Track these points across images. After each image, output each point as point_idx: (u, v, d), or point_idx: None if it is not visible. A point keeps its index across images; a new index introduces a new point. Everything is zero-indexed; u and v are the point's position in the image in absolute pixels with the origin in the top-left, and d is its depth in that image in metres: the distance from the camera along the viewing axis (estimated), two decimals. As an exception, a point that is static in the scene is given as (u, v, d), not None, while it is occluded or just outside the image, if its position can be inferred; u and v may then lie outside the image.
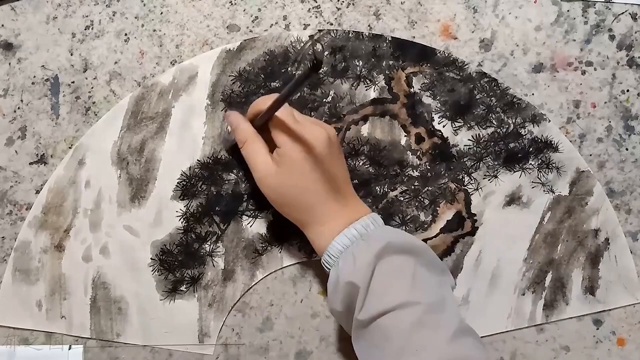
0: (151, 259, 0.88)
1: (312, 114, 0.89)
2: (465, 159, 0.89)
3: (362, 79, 0.89)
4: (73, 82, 0.89)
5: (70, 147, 0.89)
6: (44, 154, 0.89)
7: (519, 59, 0.90)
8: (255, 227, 0.89)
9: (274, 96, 0.77)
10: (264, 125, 0.80)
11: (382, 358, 0.73)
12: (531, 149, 0.89)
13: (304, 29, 0.90)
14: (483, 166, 0.89)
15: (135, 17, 0.90)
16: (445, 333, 0.71)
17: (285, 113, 0.77)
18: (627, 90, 0.90)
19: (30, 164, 0.89)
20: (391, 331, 0.72)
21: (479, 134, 0.89)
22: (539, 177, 0.89)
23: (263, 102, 0.80)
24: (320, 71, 0.83)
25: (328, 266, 0.79)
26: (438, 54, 0.90)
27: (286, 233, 0.88)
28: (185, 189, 0.88)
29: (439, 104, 0.89)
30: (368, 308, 0.74)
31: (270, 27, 0.90)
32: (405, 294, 0.73)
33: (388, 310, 0.72)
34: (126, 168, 0.89)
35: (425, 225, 0.89)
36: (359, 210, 0.81)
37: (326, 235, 0.79)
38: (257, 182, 0.80)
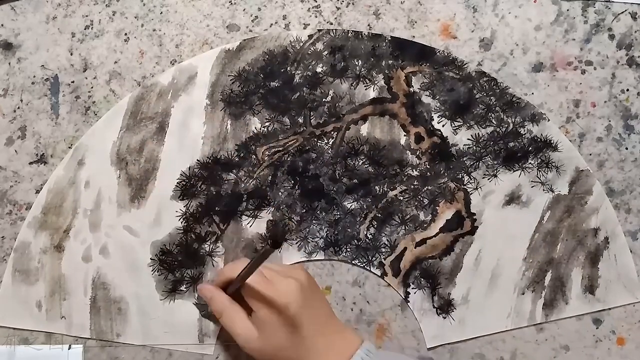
0: (151, 259, 0.88)
1: (312, 113, 0.89)
2: (464, 159, 0.89)
3: (361, 79, 0.89)
4: (73, 82, 0.89)
5: (70, 147, 0.89)
6: (43, 153, 0.89)
7: (519, 59, 0.90)
8: (254, 227, 0.89)
9: (240, 262, 0.79)
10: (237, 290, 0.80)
11: None
12: (530, 148, 0.89)
13: (304, 28, 0.90)
14: (482, 165, 0.89)
15: (135, 17, 0.90)
16: None
17: (254, 278, 0.77)
18: (627, 90, 0.90)
19: (30, 163, 0.89)
20: None
21: (478, 134, 0.89)
22: (539, 176, 0.89)
23: (230, 270, 0.80)
24: (279, 249, 0.83)
25: None
26: (437, 54, 0.90)
27: (286, 233, 0.88)
28: (185, 189, 0.88)
29: (439, 104, 0.89)
30: None
31: (270, 26, 0.90)
32: None
33: None
34: (126, 168, 0.89)
35: (425, 225, 0.89)
36: (351, 342, 0.79)
37: None
38: (241, 347, 0.79)
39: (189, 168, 0.88)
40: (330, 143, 0.89)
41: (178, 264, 0.88)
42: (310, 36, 0.90)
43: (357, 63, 0.90)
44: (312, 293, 0.80)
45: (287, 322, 0.76)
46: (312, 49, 0.90)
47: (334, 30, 0.90)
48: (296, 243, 0.88)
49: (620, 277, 0.88)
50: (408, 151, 0.89)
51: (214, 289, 0.82)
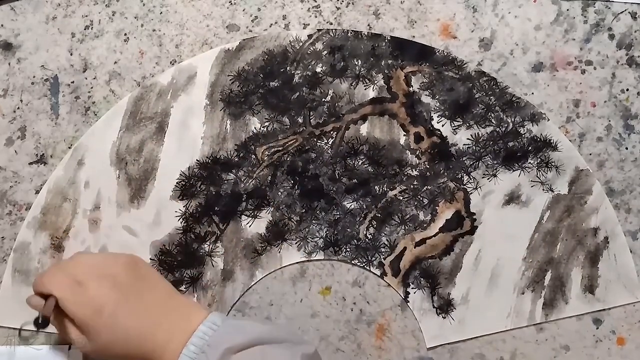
0: (150, 259, 0.88)
1: (311, 113, 0.89)
2: (464, 158, 0.89)
3: (361, 78, 0.89)
4: (73, 82, 0.89)
5: (69, 147, 0.89)
6: (43, 154, 0.89)
7: (519, 59, 0.90)
8: (254, 227, 0.88)
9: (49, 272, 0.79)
10: None
11: None
12: (530, 148, 0.89)
13: (304, 28, 0.90)
14: (482, 165, 0.88)
15: (135, 17, 0.90)
16: None
17: (63, 287, 0.76)
18: (627, 90, 0.90)
19: (30, 164, 0.89)
20: None
21: (478, 133, 0.89)
22: (538, 176, 0.88)
23: (41, 284, 0.78)
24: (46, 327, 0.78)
25: None
26: (437, 53, 0.90)
27: (285, 233, 0.88)
28: (184, 189, 0.88)
29: (438, 103, 0.89)
30: None
31: (270, 26, 0.90)
32: None
33: None
34: (125, 168, 0.89)
35: (425, 225, 0.88)
36: (194, 317, 0.76)
37: None
38: (91, 354, 0.78)
39: (189, 168, 0.89)
40: (330, 143, 0.89)
41: (177, 264, 0.88)
42: (309, 36, 0.90)
43: (356, 63, 0.90)
44: (135, 282, 0.78)
45: (107, 323, 0.74)
46: (311, 48, 0.90)
47: (334, 30, 0.90)
48: (296, 243, 0.88)
49: (620, 277, 0.88)
50: (408, 151, 0.89)
51: (38, 299, 0.79)
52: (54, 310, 0.75)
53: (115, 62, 0.90)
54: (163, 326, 0.76)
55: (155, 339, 0.75)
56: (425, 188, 0.89)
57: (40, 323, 0.74)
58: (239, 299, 0.88)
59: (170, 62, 0.90)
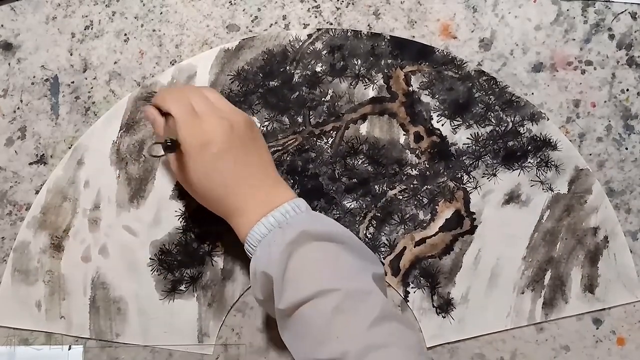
0: (150, 258, 0.88)
1: (311, 112, 0.89)
2: (464, 158, 0.89)
3: (360, 78, 0.89)
4: (73, 82, 0.90)
5: (70, 147, 0.89)
6: (43, 154, 0.89)
7: (519, 59, 0.90)
8: (254, 226, 0.88)
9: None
10: None
11: (306, 347, 0.71)
12: (530, 147, 0.89)
13: (304, 28, 0.90)
14: (482, 165, 0.88)
15: (135, 17, 0.90)
16: (365, 319, 0.69)
17: (182, 110, 0.77)
18: (627, 90, 0.90)
19: (30, 164, 0.89)
20: (311, 319, 0.71)
21: (477, 133, 0.89)
22: (538, 175, 0.88)
23: (163, 101, 0.80)
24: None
25: (250, 255, 0.78)
26: (436, 53, 0.90)
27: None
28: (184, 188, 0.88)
29: (438, 103, 0.89)
30: (286, 298, 0.72)
31: (270, 26, 0.90)
32: (324, 282, 0.71)
33: (307, 299, 0.71)
34: (125, 168, 0.89)
35: (424, 224, 0.88)
36: (281, 196, 0.78)
37: (245, 225, 0.77)
38: (178, 179, 0.80)
39: (189, 167, 0.89)
40: (330, 142, 0.89)
41: (177, 264, 0.88)
42: (309, 35, 0.90)
43: (356, 62, 0.90)
44: (246, 139, 0.79)
45: (207, 159, 0.76)
46: (311, 48, 0.90)
47: (333, 30, 0.90)
48: (295, 242, 0.88)
49: (620, 276, 0.88)
50: (407, 150, 0.89)
51: (156, 112, 0.82)
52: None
53: (115, 62, 0.90)
54: (252, 190, 0.78)
55: (240, 198, 0.77)
56: (425, 187, 0.89)
57: (170, 145, 0.74)
58: (239, 298, 0.88)
59: (170, 62, 0.90)
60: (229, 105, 0.81)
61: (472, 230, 0.88)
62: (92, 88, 0.90)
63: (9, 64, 0.90)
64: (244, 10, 0.90)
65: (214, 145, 0.76)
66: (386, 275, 0.88)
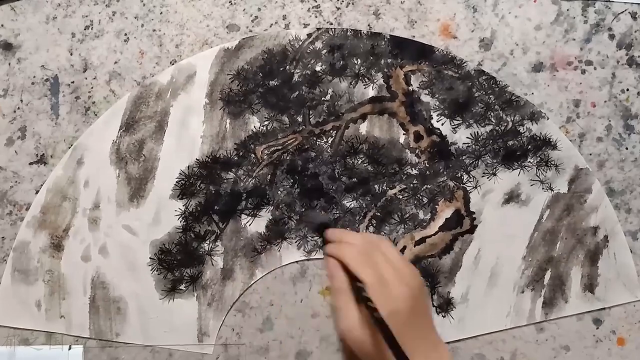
0: (150, 258, 0.88)
1: (311, 112, 0.89)
2: (463, 157, 0.89)
3: (360, 77, 0.89)
4: (73, 82, 0.90)
5: (70, 147, 0.89)
6: (43, 154, 0.89)
7: (519, 59, 0.90)
8: (254, 226, 0.88)
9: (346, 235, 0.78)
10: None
11: None
12: (530, 147, 0.89)
13: (304, 28, 0.90)
14: (482, 164, 0.88)
15: (135, 17, 0.90)
16: None
17: (370, 273, 0.75)
18: (627, 90, 0.90)
19: (30, 164, 0.89)
20: None
21: (477, 132, 0.89)
22: (538, 174, 0.88)
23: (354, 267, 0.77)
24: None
25: None
26: (436, 52, 0.90)
27: (285, 232, 0.88)
28: (184, 188, 0.88)
29: (438, 102, 0.89)
30: None
31: (270, 26, 0.90)
32: None
33: None
34: (125, 167, 0.89)
35: (424, 224, 0.88)
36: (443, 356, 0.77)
37: None
38: (339, 333, 0.77)
39: (188, 167, 0.89)
40: (330, 142, 0.89)
41: (177, 263, 0.88)
42: (309, 35, 0.90)
43: (356, 62, 0.90)
44: (421, 302, 0.77)
45: (392, 325, 0.73)
46: (311, 47, 0.90)
47: (333, 29, 0.90)
48: (295, 242, 0.88)
49: (620, 276, 0.88)
50: (407, 150, 0.89)
51: (337, 266, 0.78)
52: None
53: (116, 62, 0.90)
54: (420, 352, 0.76)
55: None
56: (424, 187, 0.89)
57: (379, 321, 0.71)
58: (238, 298, 0.88)
59: (171, 62, 0.90)
60: (403, 262, 0.79)
61: (472, 229, 0.88)
62: (92, 88, 0.90)
63: (9, 63, 0.90)
64: (244, 10, 0.90)
65: (403, 312, 0.74)
66: (386, 274, 0.88)
